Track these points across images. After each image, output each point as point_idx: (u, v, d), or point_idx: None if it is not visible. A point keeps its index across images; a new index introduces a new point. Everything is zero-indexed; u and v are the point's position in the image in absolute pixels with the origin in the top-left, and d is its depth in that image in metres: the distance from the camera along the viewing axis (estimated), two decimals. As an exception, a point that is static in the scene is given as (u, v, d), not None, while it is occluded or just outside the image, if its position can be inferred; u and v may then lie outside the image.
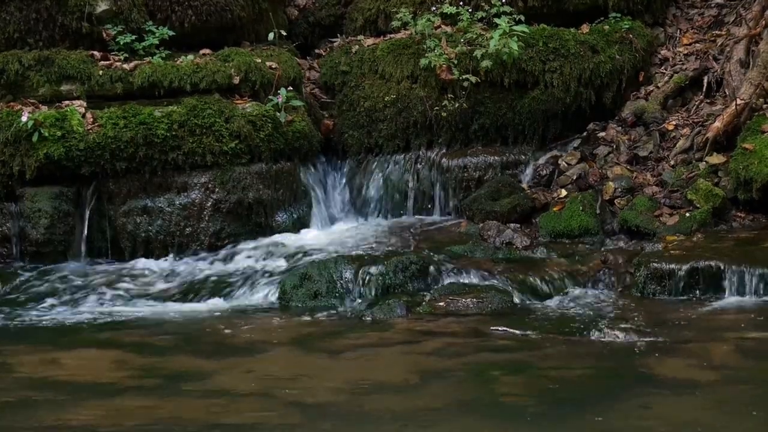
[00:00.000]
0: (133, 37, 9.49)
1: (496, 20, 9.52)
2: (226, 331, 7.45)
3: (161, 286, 8.44)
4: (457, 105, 9.57)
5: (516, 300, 7.90)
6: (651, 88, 10.01)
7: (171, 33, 9.60)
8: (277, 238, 9.03)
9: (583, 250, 8.55)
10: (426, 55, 9.58)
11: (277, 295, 8.13)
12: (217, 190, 9.00)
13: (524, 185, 9.46)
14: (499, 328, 7.23)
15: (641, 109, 9.83)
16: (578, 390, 6.20)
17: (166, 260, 8.89)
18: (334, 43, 10.55)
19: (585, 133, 9.83)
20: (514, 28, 9.46)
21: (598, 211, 8.93)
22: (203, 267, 8.74)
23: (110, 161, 8.88)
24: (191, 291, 8.31)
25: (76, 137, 8.79)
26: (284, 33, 10.08)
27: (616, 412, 5.85)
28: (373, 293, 7.98)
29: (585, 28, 10.07)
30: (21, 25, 9.37)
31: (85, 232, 8.95)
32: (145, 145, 8.90)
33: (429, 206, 9.67)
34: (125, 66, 9.28)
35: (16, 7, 9.35)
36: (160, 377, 6.52)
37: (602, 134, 9.75)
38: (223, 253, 8.90)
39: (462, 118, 9.70)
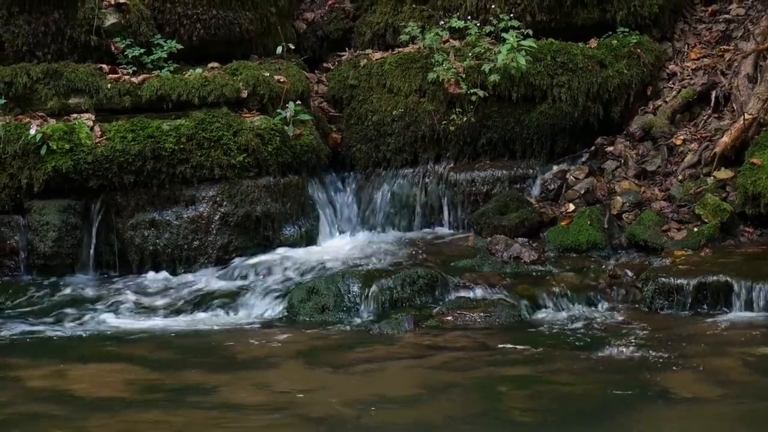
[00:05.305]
0: (142, 50, 9.50)
1: (504, 35, 9.53)
2: (234, 344, 7.44)
3: (169, 299, 8.44)
4: (465, 119, 9.58)
5: (523, 314, 7.89)
6: (659, 102, 10.01)
7: (179, 46, 9.62)
8: (284, 251, 9.02)
9: (591, 265, 8.54)
10: (434, 69, 9.60)
11: (284, 308, 8.12)
12: (224, 203, 9.00)
13: (532, 199, 9.45)
14: (507, 345, 7.23)
15: (649, 123, 9.83)
16: (585, 405, 6.18)
17: (173, 273, 8.89)
18: (342, 56, 10.56)
19: (593, 148, 9.83)
20: (522, 42, 9.47)
21: (605, 226, 8.93)
22: (211, 280, 8.74)
23: (118, 174, 8.89)
24: (199, 304, 8.30)
25: (84, 150, 8.80)
26: (292, 47, 10.10)
27: (623, 427, 5.84)
28: (380, 307, 7.96)
29: (593, 42, 10.08)
30: (29, 38, 9.36)
31: (93, 245, 8.96)
32: (153, 158, 8.90)
33: (437, 220, 9.67)
34: (133, 79, 9.29)
35: (25, 20, 9.35)
36: (169, 391, 6.52)
37: (610, 149, 9.75)
38: (230, 266, 8.89)
39: (470, 132, 9.70)
